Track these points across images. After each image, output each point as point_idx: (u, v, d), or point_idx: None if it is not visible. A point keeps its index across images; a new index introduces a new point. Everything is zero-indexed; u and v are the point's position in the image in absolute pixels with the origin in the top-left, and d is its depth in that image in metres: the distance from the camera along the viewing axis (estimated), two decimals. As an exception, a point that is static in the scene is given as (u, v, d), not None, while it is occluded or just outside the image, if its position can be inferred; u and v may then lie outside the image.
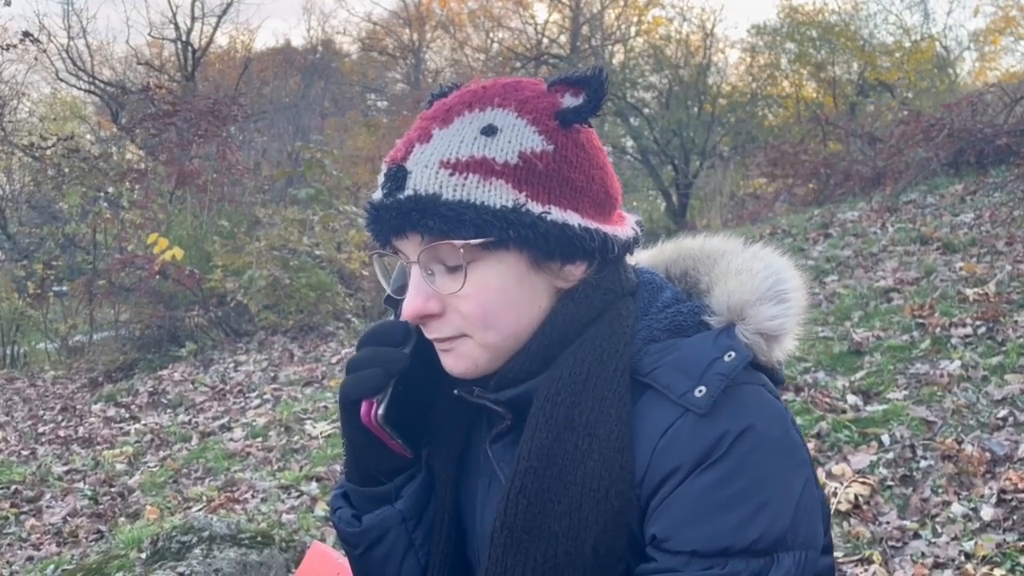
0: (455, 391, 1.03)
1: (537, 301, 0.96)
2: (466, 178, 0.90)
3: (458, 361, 0.98)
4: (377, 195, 0.95)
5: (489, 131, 0.92)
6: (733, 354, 0.92)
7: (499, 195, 0.90)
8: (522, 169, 0.91)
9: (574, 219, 0.93)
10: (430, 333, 0.98)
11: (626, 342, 0.95)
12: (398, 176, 0.93)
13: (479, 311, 0.94)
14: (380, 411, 1.02)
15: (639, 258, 1.12)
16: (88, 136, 21.68)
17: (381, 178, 0.96)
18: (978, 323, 4.67)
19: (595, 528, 0.91)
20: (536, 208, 0.91)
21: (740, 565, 0.87)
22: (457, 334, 0.96)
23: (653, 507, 0.91)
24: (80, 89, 22.42)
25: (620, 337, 0.95)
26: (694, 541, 0.88)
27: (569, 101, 0.96)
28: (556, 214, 0.92)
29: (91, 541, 4.20)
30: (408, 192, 0.91)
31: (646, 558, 0.92)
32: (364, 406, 1.02)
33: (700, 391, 0.90)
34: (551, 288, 0.96)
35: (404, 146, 0.95)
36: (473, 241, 0.90)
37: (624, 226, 1.00)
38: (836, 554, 3.02)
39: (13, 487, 5.06)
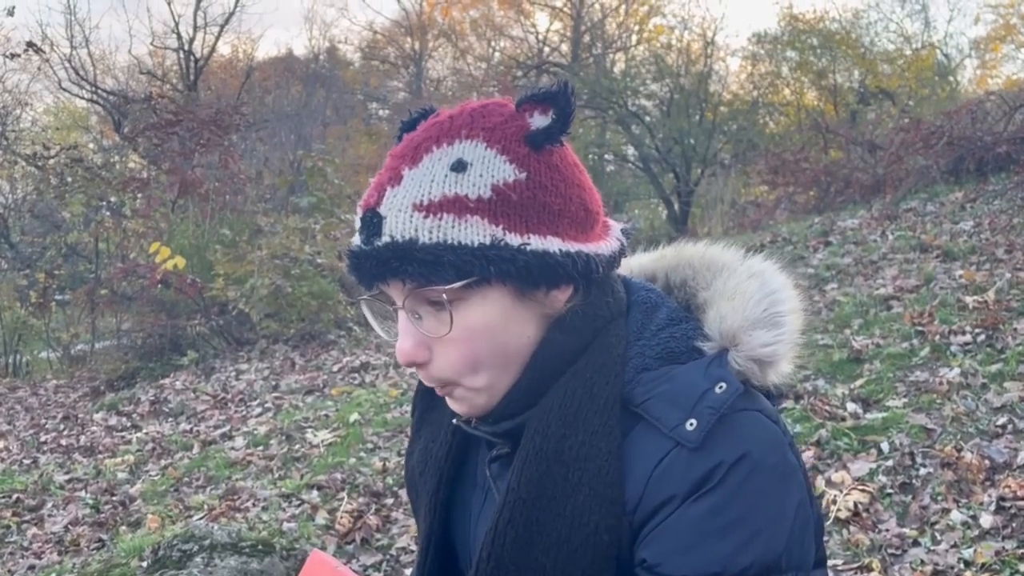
0: (453, 420, 1.04)
1: (525, 332, 0.94)
2: (440, 219, 0.89)
3: (458, 404, 0.98)
4: (356, 241, 0.94)
5: (459, 167, 0.90)
6: (724, 385, 0.91)
7: (476, 232, 0.89)
8: (496, 202, 0.90)
9: (554, 245, 0.91)
10: (424, 379, 0.98)
11: (616, 372, 0.94)
12: (373, 222, 0.92)
13: (466, 356, 0.93)
14: None
15: (641, 261, 1.11)
16: (91, 145, 21.72)
17: (357, 223, 0.95)
18: (977, 331, 4.67)
19: (584, 562, 0.91)
20: (515, 240, 0.90)
21: None
22: (448, 381, 0.96)
23: (645, 533, 0.91)
24: (83, 99, 22.46)
25: (611, 368, 0.94)
26: (685, 567, 0.88)
27: (538, 120, 0.94)
28: (536, 243, 0.90)
29: (92, 550, 4.20)
30: (385, 239, 0.90)
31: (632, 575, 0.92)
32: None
33: (691, 424, 0.89)
34: (538, 316, 0.95)
35: (376, 190, 0.94)
36: (455, 285, 0.89)
37: (608, 238, 0.99)
38: (836, 562, 3.03)
39: (15, 496, 5.07)
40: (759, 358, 0.96)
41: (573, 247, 0.93)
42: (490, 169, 0.91)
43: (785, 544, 0.89)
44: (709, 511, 0.88)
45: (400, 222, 0.90)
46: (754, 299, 0.98)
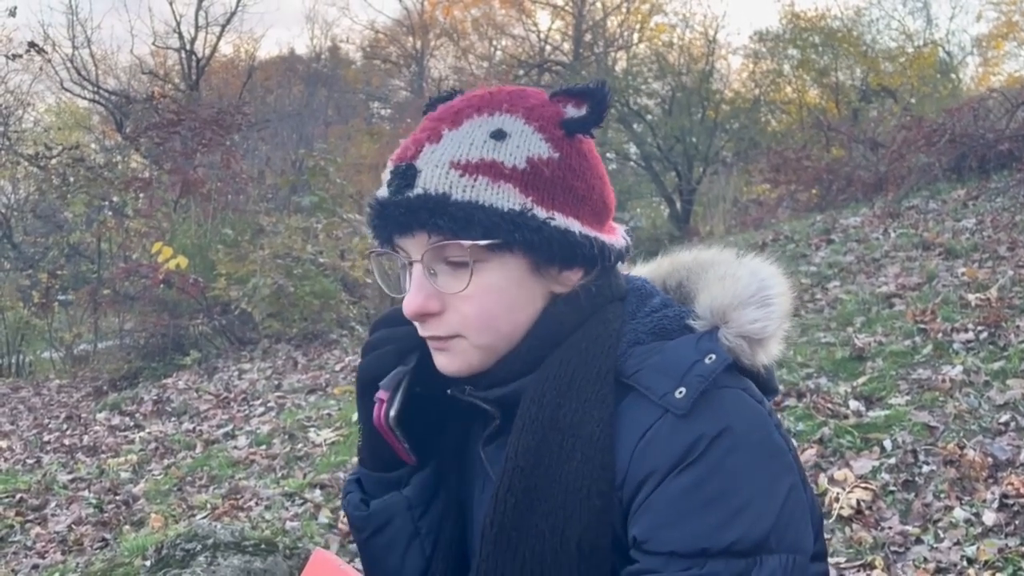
0: (448, 391, 1.05)
1: (533, 304, 0.98)
2: (476, 179, 0.92)
3: (452, 360, 1.00)
4: (383, 192, 0.97)
5: (499, 135, 0.94)
6: (714, 356, 0.94)
7: (507, 198, 0.92)
8: (529, 174, 0.94)
9: (575, 226, 0.96)
10: (425, 331, 1.00)
11: (611, 344, 0.97)
12: (407, 174, 0.94)
13: (479, 313, 0.96)
14: (392, 412, 1.02)
15: (638, 272, 1.14)
16: (93, 145, 21.74)
17: (387, 176, 0.97)
18: (980, 328, 4.67)
19: (579, 526, 0.93)
20: (541, 213, 0.93)
21: (720, 566, 0.88)
22: (453, 334, 0.98)
23: (634, 509, 0.93)
24: (85, 99, 22.49)
25: (605, 340, 0.98)
26: (672, 542, 0.89)
27: (571, 112, 0.98)
28: (559, 220, 0.94)
29: (96, 549, 4.21)
30: (418, 190, 0.93)
31: (631, 559, 0.93)
32: (376, 408, 1.03)
33: (680, 392, 0.91)
34: (547, 292, 0.98)
35: (413, 145, 0.97)
36: (481, 242, 0.92)
37: (616, 235, 1.03)
38: (839, 559, 3.02)
39: (18, 495, 5.08)
40: (748, 335, 0.98)
41: (591, 232, 0.97)
42: (528, 143, 0.95)
43: (773, 523, 0.90)
44: (691, 485, 0.89)
45: (436, 176, 0.93)
46: (744, 281, 1.01)
